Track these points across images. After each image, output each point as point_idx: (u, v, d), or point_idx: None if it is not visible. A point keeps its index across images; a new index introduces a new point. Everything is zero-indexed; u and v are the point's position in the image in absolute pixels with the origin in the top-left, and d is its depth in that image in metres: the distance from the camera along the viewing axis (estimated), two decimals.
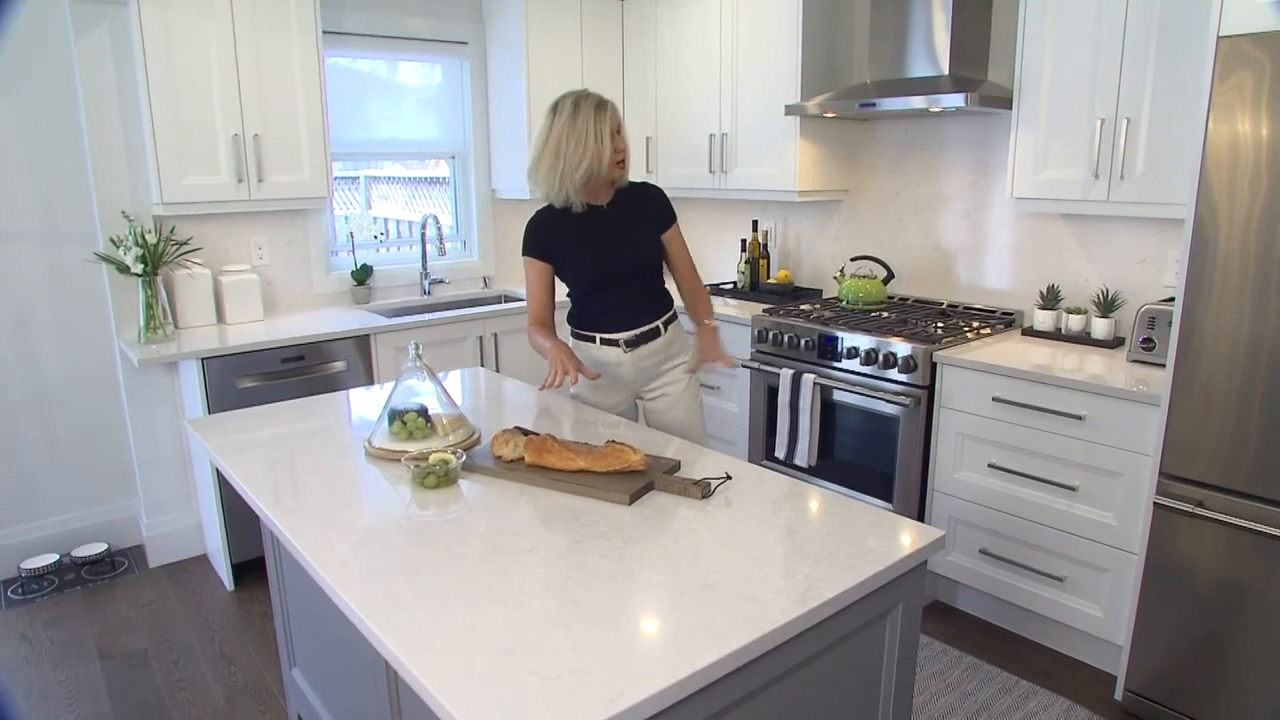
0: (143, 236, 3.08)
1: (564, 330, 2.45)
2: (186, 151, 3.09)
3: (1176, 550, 2.25)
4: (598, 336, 2.38)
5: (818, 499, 1.59)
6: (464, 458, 1.72)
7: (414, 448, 1.78)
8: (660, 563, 1.35)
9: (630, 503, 1.55)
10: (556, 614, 1.20)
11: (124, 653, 2.83)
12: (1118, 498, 2.46)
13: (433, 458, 1.67)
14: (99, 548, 3.43)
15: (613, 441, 1.68)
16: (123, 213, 3.16)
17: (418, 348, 1.87)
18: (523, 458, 1.70)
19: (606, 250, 2.30)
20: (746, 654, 1.13)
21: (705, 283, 2.70)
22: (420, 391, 1.90)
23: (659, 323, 2.40)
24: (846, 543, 1.42)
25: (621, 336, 2.35)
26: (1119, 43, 2.55)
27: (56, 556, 3.36)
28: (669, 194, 2.47)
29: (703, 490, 1.56)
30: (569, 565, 1.34)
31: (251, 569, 3.25)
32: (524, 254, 2.35)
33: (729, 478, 1.64)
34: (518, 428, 1.81)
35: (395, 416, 1.85)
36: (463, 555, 1.38)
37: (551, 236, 2.33)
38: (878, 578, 1.32)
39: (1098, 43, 2.60)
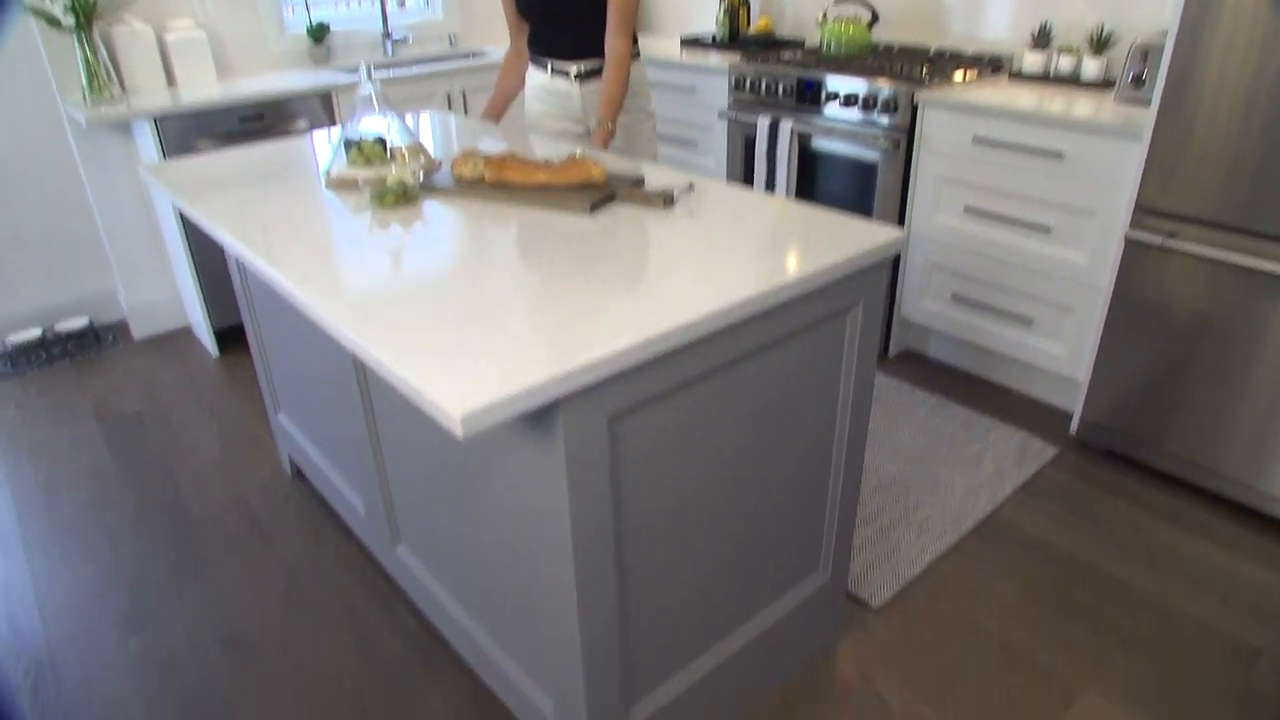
0: None
1: None
2: None
3: (1144, 284, 2.27)
4: (549, 64, 2.49)
5: (783, 207, 1.57)
6: (421, 177, 1.67)
7: (372, 173, 1.73)
8: (619, 258, 1.34)
9: (591, 211, 1.53)
10: (509, 299, 1.20)
11: (119, 415, 2.91)
12: (1091, 236, 2.45)
13: (390, 178, 1.63)
14: (81, 321, 3.44)
15: (574, 156, 1.63)
16: None
17: (368, 68, 1.77)
18: (483, 177, 1.66)
19: None
20: (703, 326, 1.15)
21: (681, 33, 2.62)
22: (377, 126, 1.83)
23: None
24: (809, 243, 1.41)
25: (572, 69, 2.45)
26: None
27: (40, 331, 3.37)
28: None
29: (665, 199, 1.53)
30: (523, 259, 1.33)
31: (234, 335, 3.28)
32: None
33: (692, 187, 1.61)
34: (478, 149, 1.75)
35: (352, 145, 1.79)
36: (419, 258, 1.37)
37: None
38: (836, 268, 1.33)
39: None
